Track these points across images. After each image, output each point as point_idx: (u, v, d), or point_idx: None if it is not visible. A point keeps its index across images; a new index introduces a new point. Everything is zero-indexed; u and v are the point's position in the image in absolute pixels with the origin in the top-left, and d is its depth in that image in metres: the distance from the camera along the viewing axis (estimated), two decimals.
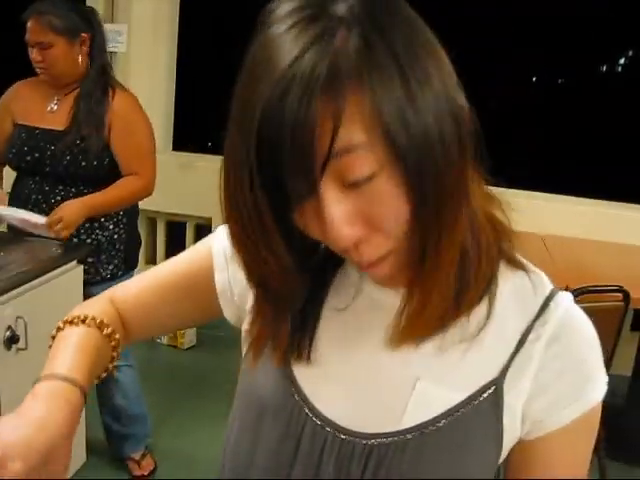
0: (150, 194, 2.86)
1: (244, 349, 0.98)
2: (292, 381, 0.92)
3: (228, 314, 1.03)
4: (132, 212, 2.96)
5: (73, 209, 2.59)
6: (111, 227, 2.82)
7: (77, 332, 0.98)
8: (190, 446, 3.39)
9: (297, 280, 0.83)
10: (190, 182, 4.40)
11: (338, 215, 0.73)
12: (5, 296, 2.23)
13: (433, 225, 0.74)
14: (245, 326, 0.98)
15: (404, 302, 0.83)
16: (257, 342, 0.92)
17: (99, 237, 2.78)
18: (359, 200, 0.73)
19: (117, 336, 1.01)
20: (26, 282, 2.33)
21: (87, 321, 0.99)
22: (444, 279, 0.79)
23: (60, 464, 0.84)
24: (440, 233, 0.75)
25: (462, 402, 0.86)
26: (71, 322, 0.99)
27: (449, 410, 0.86)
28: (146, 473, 3.25)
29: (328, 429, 0.89)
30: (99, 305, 1.05)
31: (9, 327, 2.23)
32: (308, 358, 0.91)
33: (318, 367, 0.92)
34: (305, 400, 0.91)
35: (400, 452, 0.86)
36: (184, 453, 3.38)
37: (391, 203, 0.73)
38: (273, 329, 0.90)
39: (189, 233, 4.79)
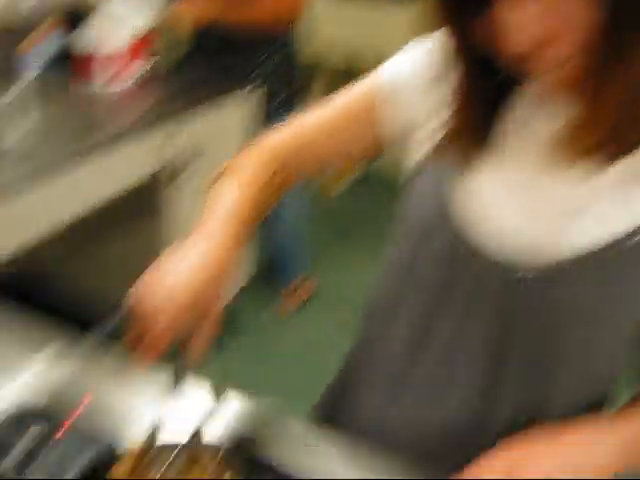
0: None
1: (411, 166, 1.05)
2: (451, 206, 0.95)
3: (388, 144, 1.08)
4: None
5: None
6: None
7: (242, 170, 1.05)
8: (342, 285, 3.68)
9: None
10: None
11: (519, 18, 0.75)
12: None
13: (617, 40, 0.74)
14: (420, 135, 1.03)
15: (575, 111, 0.82)
16: (450, 138, 0.96)
17: None
18: (540, 4, 0.74)
19: (279, 174, 1.09)
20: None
21: (249, 160, 1.07)
22: (618, 96, 0.77)
23: (217, 298, 0.93)
24: (621, 52, 0.74)
25: (625, 237, 0.87)
26: (235, 161, 1.07)
27: (611, 244, 0.87)
28: (301, 303, 3.61)
29: (486, 255, 0.93)
30: (259, 147, 1.11)
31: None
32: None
33: (479, 194, 0.95)
34: (462, 226, 0.94)
35: (558, 283, 0.89)
36: (340, 291, 3.67)
37: (573, 11, 0.73)
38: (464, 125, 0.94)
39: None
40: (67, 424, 0.98)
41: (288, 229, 3.50)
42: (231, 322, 3.33)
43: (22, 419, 1.01)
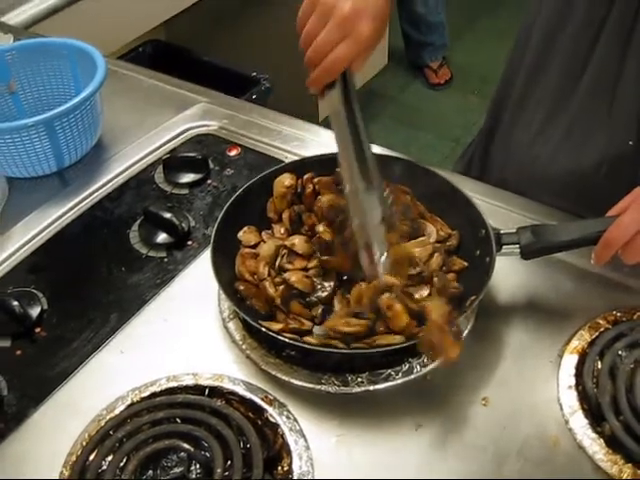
0: None
1: None
2: None
3: None
4: None
5: None
6: None
7: None
8: (485, 63, 3.52)
9: None
10: None
11: None
12: None
13: None
14: None
15: None
16: None
17: None
18: None
19: None
20: None
21: None
22: None
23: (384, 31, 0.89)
24: None
25: None
26: None
27: None
28: (442, 82, 3.63)
29: None
30: None
31: None
32: None
33: None
34: None
35: None
36: (479, 69, 3.66)
37: None
38: None
39: None
40: None
41: (429, 3, 3.41)
42: (380, 93, 3.36)
43: None
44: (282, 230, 1.00)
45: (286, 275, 0.93)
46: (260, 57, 2.71)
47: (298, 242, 0.96)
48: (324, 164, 1.02)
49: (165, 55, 2.50)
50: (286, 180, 1.01)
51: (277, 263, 0.96)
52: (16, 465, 0.81)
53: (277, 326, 0.87)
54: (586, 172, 1.08)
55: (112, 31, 2.00)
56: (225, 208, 0.98)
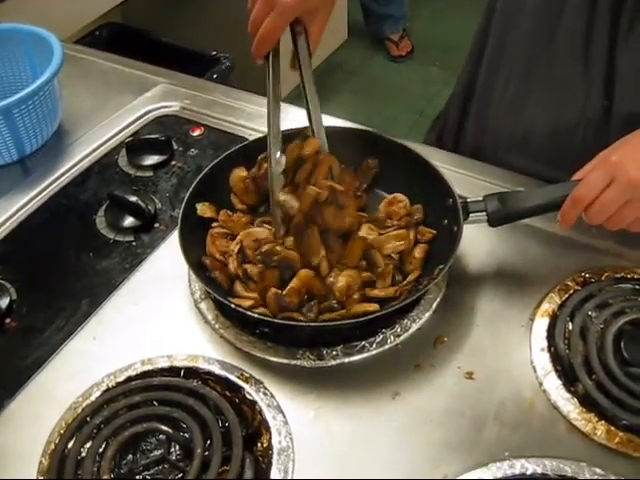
0: None
1: None
2: None
3: None
4: None
5: None
6: None
7: None
8: (445, 33, 3.64)
9: None
10: None
11: None
12: None
13: None
14: None
15: None
16: None
17: None
18: None
19: None
20: None
21: None
22: None
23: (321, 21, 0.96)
24: None
25: None
26: None
27: None
28: (403, 54, 3.61)
29: None
30: None
31: None
32: None
33: None
34: None
35: None
36: (439, 39, 3.67)
37: None
38: None
39: None
40: None
41: None
42: (341, 67, 3.37)
43: None
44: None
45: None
46: (219, 36, 2.68)
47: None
48: (288, 139, 1.01)
49: (122, 38, 2.46)
50: (241, 173, 1.01)
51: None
52: None
53: (247, 302, 0.87)
54: (564, 135, 1.09)
55: (66, 15, 1.96)
56: (192, 187, 0.97)
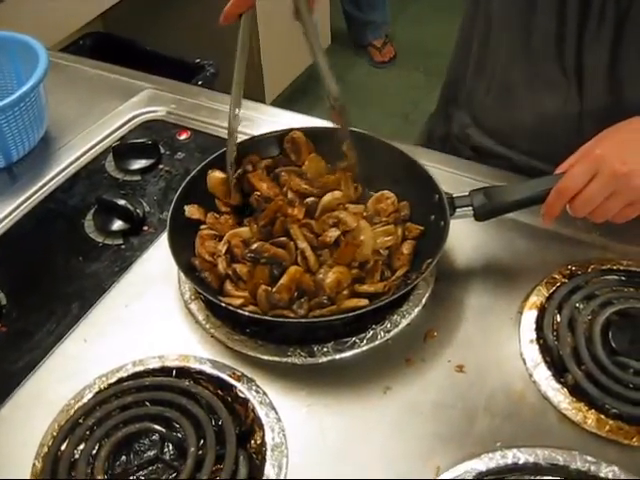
0: None
1: None
2: None
3: None
4: None
5: None
6: None
7: None
8: (428, 38, 3.65)
9: None
10: None
11: None
12: None
13: None
14: None
15: None
16: None
17: None
18: None
19: None
20: None
21: None
22: None
23: None
24: None
25: None
26: None
27: None
28: (386, 59, 3.63)
29: None
30: None
31: None
32: None
33: None
34: None
35: None
36: (422, 44, 3.70)
37: None
38: None
39: None
40: None
41: None
42: None
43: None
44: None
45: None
46: (202, 43, 2.68)
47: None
48: (272, 141, 1.05)
49: (106, 47, 2.46)
50: (218, 175, 1.01)
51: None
52: None
53: (238, 301, 0.87)
54: (548, 128, 1.11)
55: (49, 25, 1.96)
56: (180, 189, 0.98)
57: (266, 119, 1.23)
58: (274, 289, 0.87)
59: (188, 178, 0.99)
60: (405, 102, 3.32)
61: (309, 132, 1.05)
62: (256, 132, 1.11)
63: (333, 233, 0.92)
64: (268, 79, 2.95)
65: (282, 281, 0.87)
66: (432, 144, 1.30)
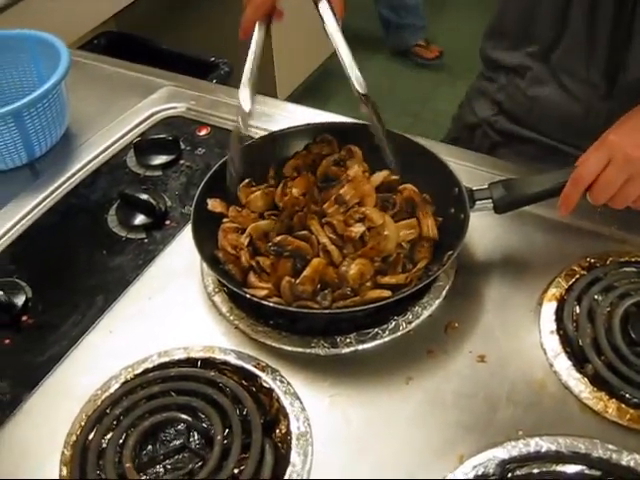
0: None
1: None
2: None
3: None
4: None
5: None
6: None
7: None
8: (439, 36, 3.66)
9: None
10: None
11: None
12: None
13: None
14: None
15: None
16: None
17: None
18: None
19: None
20: None
21: None
22: None
23: None
24: None
25: None
26: None
27: None
28: (436, 54, 3.62)
29: None
30: None
31: None
32: None
33: None
34: None
35: None
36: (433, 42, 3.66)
37: None
38: None
39: None
40: None
41: None
42: (336, 73, 3.40)
43: None
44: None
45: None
46: (215, 42, 2.69)
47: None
48: (292, 136, 1.06)
49: (120, 46, 2.47)
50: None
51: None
52: (16, 449, 0.82)
53: (262, 292, 0.89)
54: (577, 120, 1.13)
55: (65, 24, 1.98)
56: (203, 183, 0.99)
57: (284, 115, 1.24)
58: (297, 281, 0.88)
59: (211, 172, 1.00)
60: (415, 100, 3.33)
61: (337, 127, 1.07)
62: (275, 127, 1.12)
63: (359, 229, 0.93)
64: (280, 78, 2.96)
65: (305, 273, 0.88)
66: (462, 132, 1.33)
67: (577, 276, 0.94)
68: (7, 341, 0.92)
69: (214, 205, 0.99)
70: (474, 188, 0.95)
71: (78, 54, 1.44)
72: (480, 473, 0.75)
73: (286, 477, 0.76)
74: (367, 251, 0.91)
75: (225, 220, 0.99)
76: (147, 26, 2.87)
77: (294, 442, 0.79)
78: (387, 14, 3.57)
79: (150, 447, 0.80)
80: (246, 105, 0.95)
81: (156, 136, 1.19)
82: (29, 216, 1.09)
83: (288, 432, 0.80)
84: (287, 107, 1.29)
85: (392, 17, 3.56)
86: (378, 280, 0.90)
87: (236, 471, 0.76)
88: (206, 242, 0.95)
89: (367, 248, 0.92)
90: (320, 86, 3.21)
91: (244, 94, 0.95)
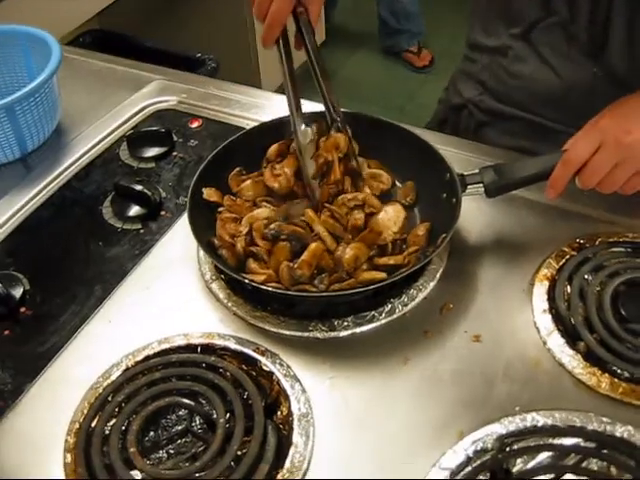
0: None
1: None
2: None
3: None
4: None
5: None
6: None
7: None
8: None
9: None
10: None
11: None
12: None
13: None
14: None
15: None
16: None
17: None
18: None
19: None
20: None
21: None
22: None
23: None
24: None
25: None
26: None
27: None
28: (427, 63, 3.58)
29: None
30: None
31: None
32: None
33: None
34: None
35: None
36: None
37: None
38: None
39: None
40: None
41: None
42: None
43: None
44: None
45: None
46: (199, 38, 2.70)
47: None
48: (283, 126, 1.06)
49: (106, 43, 2.48)
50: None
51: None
52: (20, 438, 0.83)
53: (261, 277, 0.90)
54: (560, 96, 1.15)
55: (48, 22, 1.97)
56: (198, 171, 1.00)
57: (275, 106, 1.26)
58: (295, 265, 0.89)
59: (205, 162, 1.01)
60: (400, 95, 3.35)
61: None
62: (266, 118, 1.14)
63: (359, 215, 0.95)
64: (264, 75, 2.97)
65: (303, 257, 0.89)
66: (448, 113, 1.35)
67: (567, 257, 0.96)
68: (7, 332, 0.93)
69: (209, 194, 1.00)
70: (465, 173, 0.97)
71: (67, 50, 1.43)
72: (479, 448, 0.77)
73: (289, 457, 0.78)
74: (366, 235, 0.93)
75: (221, 209, 1.00)
76: (130, 24, 2.87)
77: (296, 423, 0.80)
78: (386, 17, 3.58)
79: (153, 433, 0.81)
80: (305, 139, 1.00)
81: (149, 128, 1.20)
82: (23, 210, 1.09)
83: (289, 414, 0.81)
84: (276, 98, 1.30)
85: (391, 21, 3.57)
86: (375, 261, 0.92)
87: (239, 453, 0.77)
88: (202, 230, 0.96)
89: (366, 232, 0.93)
90: (303, 83, 3.23)
91: (301, 127, 0.99)
